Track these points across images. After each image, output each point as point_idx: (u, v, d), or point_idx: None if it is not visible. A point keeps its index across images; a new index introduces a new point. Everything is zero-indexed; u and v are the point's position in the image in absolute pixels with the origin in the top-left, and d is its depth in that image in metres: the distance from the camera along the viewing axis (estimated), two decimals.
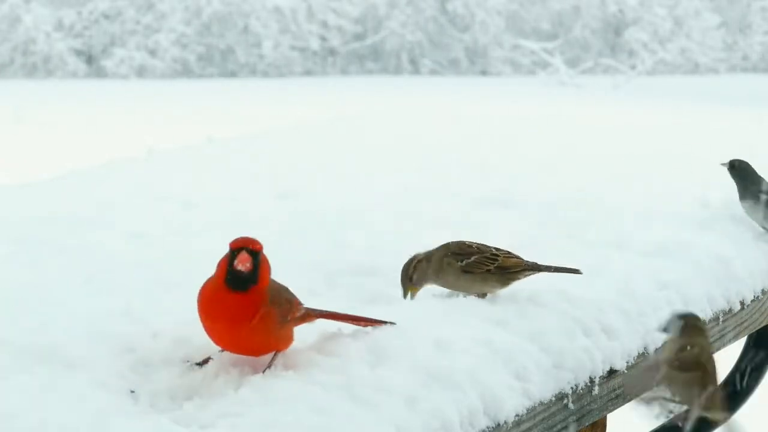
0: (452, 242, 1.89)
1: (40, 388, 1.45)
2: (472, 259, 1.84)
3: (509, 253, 1.89)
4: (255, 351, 1.56)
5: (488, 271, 1.84)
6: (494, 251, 1.87)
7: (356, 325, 1.68)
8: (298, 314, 1.61)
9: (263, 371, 1.54)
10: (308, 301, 1.66)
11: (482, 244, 1.89)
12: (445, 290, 1.90)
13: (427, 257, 1.86)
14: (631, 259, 2.20)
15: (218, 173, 3.10)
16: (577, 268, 1.89)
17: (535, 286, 1.90)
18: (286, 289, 1.62)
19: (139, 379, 1.53)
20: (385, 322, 1.69)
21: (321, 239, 2.27)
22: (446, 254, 1.86)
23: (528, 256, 1.98)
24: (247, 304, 1.53)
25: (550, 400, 1.72)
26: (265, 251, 1.61)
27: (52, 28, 29.52)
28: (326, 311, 1.66)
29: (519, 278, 1.88)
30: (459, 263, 1.84)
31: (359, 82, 27.32)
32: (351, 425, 1.43)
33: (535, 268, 1.88)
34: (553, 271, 1.88)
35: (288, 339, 1.59)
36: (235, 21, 30.25)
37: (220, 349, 1.59)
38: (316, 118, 4.65)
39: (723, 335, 2.22)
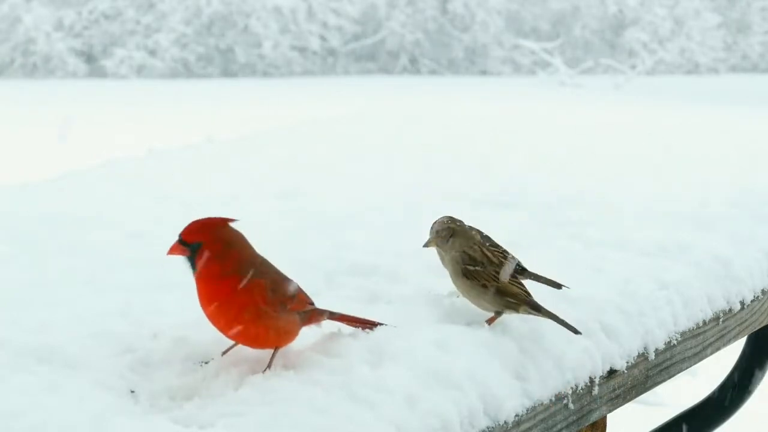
0: (479, 239, 1.80)
1: (40, 388, 1.45)
2: (476, 268, 1.77)
3: (519, 284, 1.78)
4: (243, 327, 1.55)
5: (484, 286, 1.76)
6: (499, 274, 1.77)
7: (363, 328, 1.67)
8: (303, 308, 1.60)
9: (263, 371, 1.54)
10: None
11: (498, 265, 1.79)
12: (445, 290, 1.90)
13: (459, 232, 1.80)
14: (631, 259, 2.20)
15: (218, 173, 3.10)
16: (578, 330, 1.75)
17: (535, 286, 1.90)
18: (290, 281, 1.61)
19: (139, 379, 1.53)
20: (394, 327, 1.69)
21: (321, 239, 2.27)
22: (460, 251, 1.78)
23: (528, 256, 1.97)
24: (198, 282, 1.56)
25: (550, 400, 1.72)
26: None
27: (52, 28, 29.53)
28: (337, 313, 1.65)
29: (517, 311, 1.77)
30: (463, 265, 1.78)
31: (359, 82, 27.32)
32: (351, 425, 1.43)
33: (537, 308, 1.76)
34: (555, 320, 1.75)
35: (288, 333, 1.58)
36: (235, 21, 30.26)
37: (223, 350, 1.59)
38: (316, 117, 4.64)
39: (723, 335, 2.22)
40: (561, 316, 1.75)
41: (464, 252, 1.78)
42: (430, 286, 1.91)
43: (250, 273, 1.55)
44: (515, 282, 1.78)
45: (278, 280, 1.59)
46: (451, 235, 1.81)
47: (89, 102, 20.84)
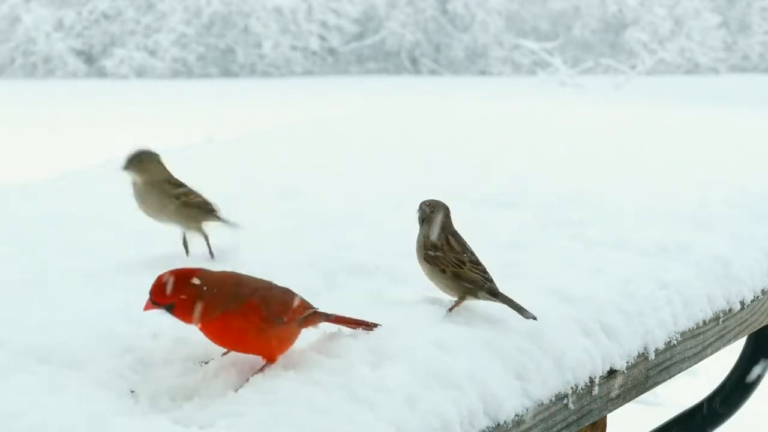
0: (441, 233, 1.84)
1: (40, 388, 1.45)
2: (437, 253, 1.81)
3: (479, 270, 1.80)
4: (247, 346, 1.56)
5: (443, 271, 1.80)
6: (464, 260, 1.80)
7: (364, 329, 1.67)
8: (301, 315, 1.60)
9: (262, 371, 1.54)
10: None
11: (459, 253, 1.82)
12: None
13: (429, 219, 1.84)
14: (631, 259, 2.20)
15: (218, 173, 3.10)
16: (534, 315, 1.75)
17: (535, 285, 1.90)
18: (284, 290, 1.61)
19: (139, 379, 1.53)
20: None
21: (321, 239, 2.27)
22: (424, 235, 1.83)
23: (528, 256, 1.97)
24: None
25: (550, 400, 1.72)
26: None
27: (52, 28, 29.54)
28: (332, 315, 1.65)
29: (476, 297, 1.79)
30: (425, 250, 1.82)
31: (359, 82, 27.33)
32: (351, 425, 1.43)
33: (495, 294, 1.78)
34: (510, 306, 1.76)
35: (286, 340, 1.58)
36: (235, 21, 30.27)
37: (223, 351, 1.59)
38: (316, 117, 4.65)
39: (723, 335, 2.22)
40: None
41: (427, 237, 1.83)
42: (430, 286, 1.91)
43: (234, 302, 1.54)
44: (475, 269, 1.81)
45: (268, 294, 1.58)
46: (423, 219, 1.86)
47: (89, 102, 20.84)
